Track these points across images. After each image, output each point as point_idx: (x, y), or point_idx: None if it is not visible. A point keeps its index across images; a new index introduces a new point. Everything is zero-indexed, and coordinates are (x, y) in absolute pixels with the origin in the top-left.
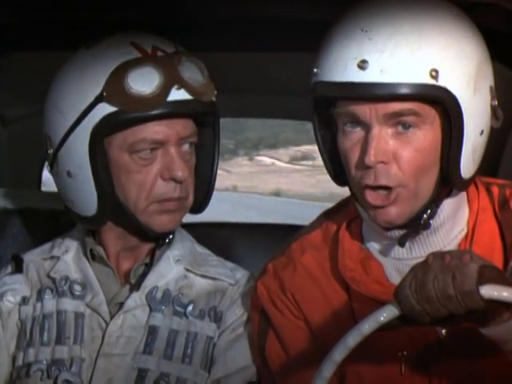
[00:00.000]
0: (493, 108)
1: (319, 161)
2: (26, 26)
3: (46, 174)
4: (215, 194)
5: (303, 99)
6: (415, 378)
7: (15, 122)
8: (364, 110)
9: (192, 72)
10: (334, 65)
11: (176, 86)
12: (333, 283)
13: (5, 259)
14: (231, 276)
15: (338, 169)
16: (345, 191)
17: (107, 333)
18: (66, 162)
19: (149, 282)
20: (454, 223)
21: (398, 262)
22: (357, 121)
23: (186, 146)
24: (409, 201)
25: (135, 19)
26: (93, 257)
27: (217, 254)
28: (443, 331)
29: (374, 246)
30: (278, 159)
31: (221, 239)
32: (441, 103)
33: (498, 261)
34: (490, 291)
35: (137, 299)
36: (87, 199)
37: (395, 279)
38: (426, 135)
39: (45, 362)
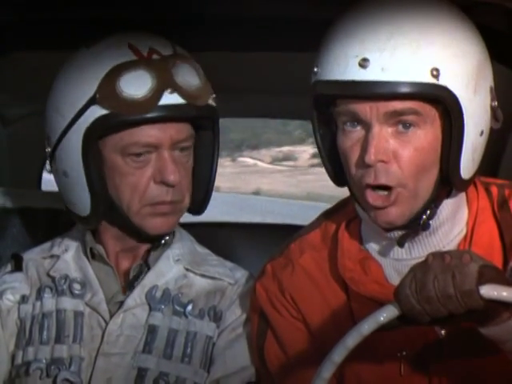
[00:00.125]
0: (492, 109)
1: (300, 161)
2: (26, 26)
3: (46, 174)
4: None
5: (303, 99)
6: (415, 379)
7: (15, 122)
8: (364, 109)
9: (187, 75)
10: (335, 63)
11: (169, 90)
12: (331, 284)
13: (5, 259)
14: (231, 276)
15: (337, 169)
16: (321, 190)
17: (107, 332)
18: (62, 162)
19: (148, 281)
20: (453, 224)
21: (397, 263)
22: (357, 120)
23: (180, 150)
24: (409, 201)
25: (136, 18)
26: (93, 255)
27: (216, 253)
28: (443, 331)
29: (373, 247)
30: (260, 160)
31: (219, 239)
32: (441, 102)
33: (497, 261)
34: (489, 291)
35: (136, 298)
36: (81, 199)
37: (394, 280)
38: (427, 135)
39: (44, 361)
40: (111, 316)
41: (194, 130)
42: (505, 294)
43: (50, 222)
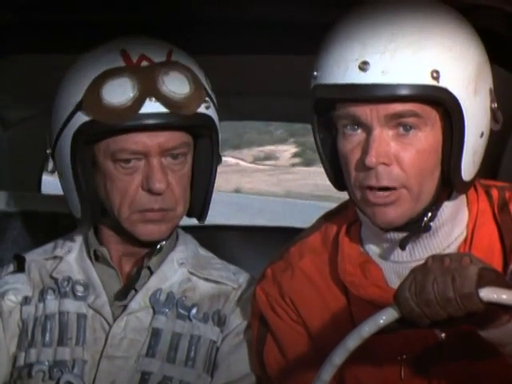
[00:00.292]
0: (492, 110)
1: (281, 161)
2: (27, 29)
3: (47, 177)
4: None
5: (304, 101)
6: (415, 382)
7: (15, 125)
8: (365, 112)
9: (174, 84)
10: (335, 67)
11: (152, 99)
12: (331, 287)
13: (5, 262)
14: (234, 280)
15: (337, 172)
16: (301, 188)
17: (110, 335)
18: (58, 164)
19: (152, 284)
20: (453, 226)
21: (397, 266)
22: (357, 123)
23: (173, 157)
24: (410, 202)
25: (136, 21)
26: (96, 257)
27: (217, 256)
28: (442, 334)
29: (373, 250)
30: (241, 159)
31: (220, 242)
32: (442, 104)
33: (497, 264)
34: (489, 294)
35: (140, 301)
36: (73, 202)
37: (394, 283)
38: (427, 137)
39: (47, 363)
40: (114, 319)
41: (192, 137)
42: (504, 296)
43: (50, 224)
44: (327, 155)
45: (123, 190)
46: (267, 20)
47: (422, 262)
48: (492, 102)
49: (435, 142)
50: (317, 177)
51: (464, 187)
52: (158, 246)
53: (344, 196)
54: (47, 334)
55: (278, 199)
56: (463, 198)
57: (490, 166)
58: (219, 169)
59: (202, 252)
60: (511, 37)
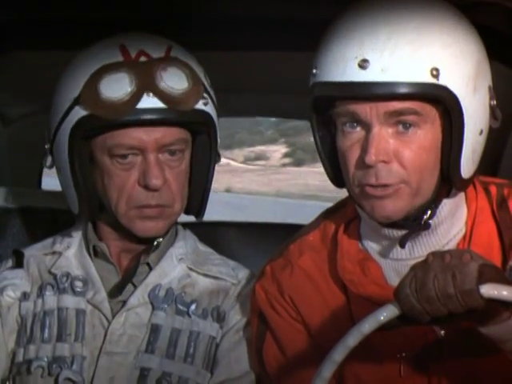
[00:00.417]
0: (491, 108)
1: (272, 161)
2: (27, 26)
3: (46, 174)
4: None
5: (303, 98)
6: (415, 379)
7: (15, 122)
8: (364, 109)
9: (172, 79)
10: (334, 65)
11: (149, 94)
12: (331, 285)
13: (4, 258)
14: (234, 276)
15: (336, 169)
16: (291, 188)
17: (109, 331)
18: (56, 159)
19: (151, 280)
20: (452, 223)
21: (396, 263)
22: (357, 120)
23: (170, 153)
24: (408, 197)
25: (136, 18)
26: (95, 253)
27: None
28: (442, 331)
29: (372, 247)
30: (232, 159)
31: (219, 238)
32: (441, 102)
33: (496, 260)
34: (489, 290)
35: (139, 297)
36: (71, 197)
37: (393, 280)
38: (427, 134)
39: (46, 359)
40: (113, 315)
41: (190, 133)
42: (505, 293)
43: (49, 221)
44: (326, 153)
45: (120, 185)
46: (266, 17)
47: (421, 259)
48: (491, 99)
49: (434, 139)
50: (307, 177)
51: (463, 184)
52: (156, 243)
53: (334, 196)
54: (46, 330)
55: (269, 198)
56: (462, 195)
57: (490, 164)
58: None
59: (202, 247)
60: (511, 33)
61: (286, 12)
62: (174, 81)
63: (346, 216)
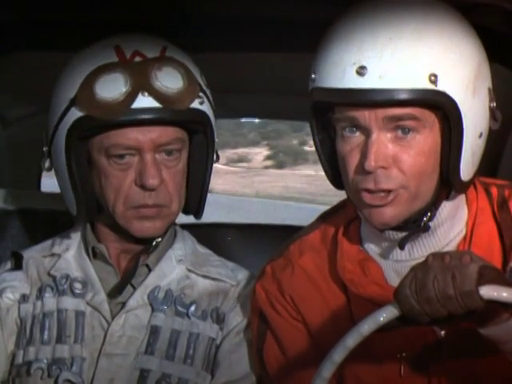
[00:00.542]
0: (491, 110)
1: (254, 163)
2: (27, 27)
3: (46, 175)
4: None
5: (303, 99)
6: (414, 379)
7: (15, 123)
8: (363, 114)
9: (167, 79)
10: (332, 70)
11: (144, 93)
12: (331, 285)
13: (4, 260)
14: (233, 277)
15: (335, 172)
16: (272, 190)
17: (109, 332)
18: (54, 161)
19: (150, 281)
20: (452, 224)
21: (396, 264)
22: (356, 125)
23: (167, 153)
24: (407, 203)
25: (135, 20)
26: (94, 255)
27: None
28: (442, 332)
29: (372, 248)
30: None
31: (217, 240)
32: (440, 107)
33: (497, 262)
34: (489, 291)
35: (139, 299)
36: (70, 199)
37: (394, 281)
38: (426, 139)
39: (45, 361)
40: (113, 316)
41: (187, 133)
42: (504, 294)
43: (49, 223)
44: (326, 155)
45: (117, 186)
46: (266, 18)
47: (421, 260)
48: (491, 101)
49: (434, 143)
50: (288, 179)
51: (463, 187)
52: (154, 243)
53: (313, 198)
54: (45, 332)
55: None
56: (462, 196)
57: (490, 165)
58: None
59: (200, 249)
60: (511, 35)
61: (286, 13)
62: (169, 80)
63: (346, 217)
